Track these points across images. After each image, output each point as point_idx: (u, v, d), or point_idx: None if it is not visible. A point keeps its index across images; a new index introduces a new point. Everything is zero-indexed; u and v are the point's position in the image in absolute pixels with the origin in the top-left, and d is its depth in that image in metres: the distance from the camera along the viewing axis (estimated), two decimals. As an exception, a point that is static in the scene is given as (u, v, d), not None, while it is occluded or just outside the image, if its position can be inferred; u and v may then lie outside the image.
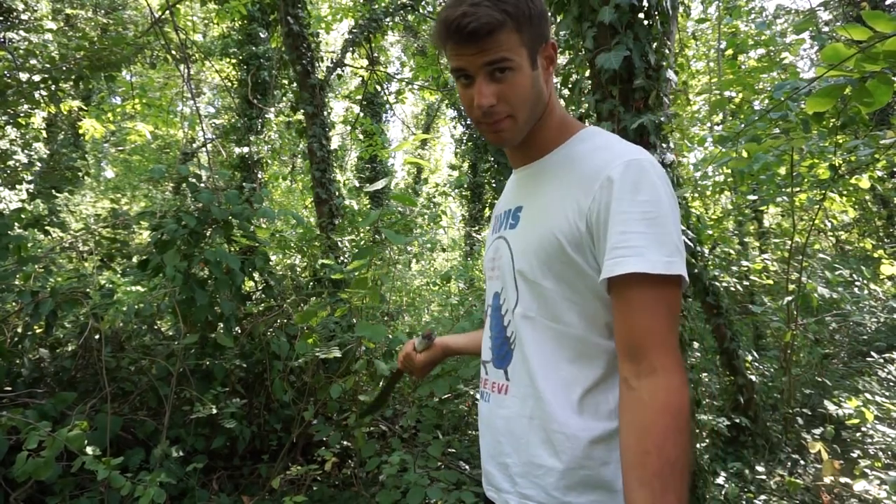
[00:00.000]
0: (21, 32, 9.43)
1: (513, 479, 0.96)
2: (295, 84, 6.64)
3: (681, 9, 5.03)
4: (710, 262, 4.41)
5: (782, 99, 2.38)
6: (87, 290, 2.86)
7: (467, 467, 2.90)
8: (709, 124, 8.09)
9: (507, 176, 4.27)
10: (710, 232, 4.90)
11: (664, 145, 2.60)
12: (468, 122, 7.14)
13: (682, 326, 2.58)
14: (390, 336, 3.14)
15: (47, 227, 3.24)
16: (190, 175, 3.05)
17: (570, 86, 2.81)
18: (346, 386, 2.64)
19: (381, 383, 2.80)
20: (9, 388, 2.54)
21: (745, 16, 8.85)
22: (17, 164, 10.12)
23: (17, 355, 2.76)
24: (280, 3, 5.71)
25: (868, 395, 3.89)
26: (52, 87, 4.64)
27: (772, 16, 11.07)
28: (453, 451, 3.09)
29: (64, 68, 4.47)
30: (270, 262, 3.17)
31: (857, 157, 3.72)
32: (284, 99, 9.95)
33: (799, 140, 2.87)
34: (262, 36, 9.38)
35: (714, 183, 6.12)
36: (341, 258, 5.45)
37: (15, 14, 9.38)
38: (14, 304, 2.86)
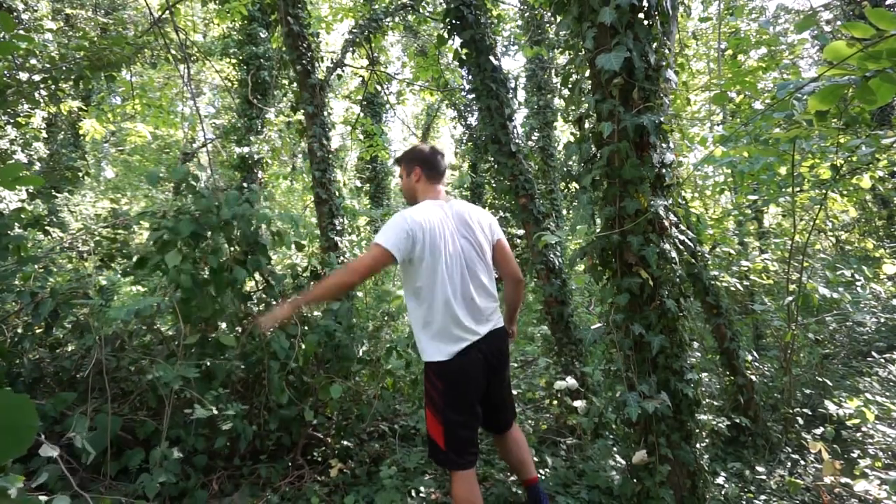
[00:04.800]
0: (21, 32, 9.41)
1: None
2: (295, 84, 6.63)
3: (681, 9, 5.02)
4: (710, 262, 4.40)
5: (785, 98, 2.37)
6: (87, 290, 2.86)
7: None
8: (708, 124, 8.08)
9: (506, 176, 4.27)
10: (711, 232, 4.89)
11: (664, 145, 2.59)
12: (468, 123, 7.15)
13: (682, 326, 2.58)
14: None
15: (47, 227, 3.24)
16: (188, 177, 3.03)
17: (569, 86, 2.78)
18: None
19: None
20: (9, 389, 2.53)
21: (746, 15, 8.85)
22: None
23: (17, 355, 2.75)
24: (280, 3, 5.70)
25: (868, 395, 3.88)
26: (52, 87, 4.63)
27: (772, 16, 11.06)
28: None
29: (64, 68, 4.46)
30: (271, 262, 3.16)
31: (859, 157, 3.71)
32: (284, 99, 9.94)
33: (800, 131, 2.85)
34: (262, 36, 9.37)
35: (714, 183, 6.12)
36: (342, 258, 5.44)
37: (15, 14, 9.38)
38: (14, 304, 2.85)
